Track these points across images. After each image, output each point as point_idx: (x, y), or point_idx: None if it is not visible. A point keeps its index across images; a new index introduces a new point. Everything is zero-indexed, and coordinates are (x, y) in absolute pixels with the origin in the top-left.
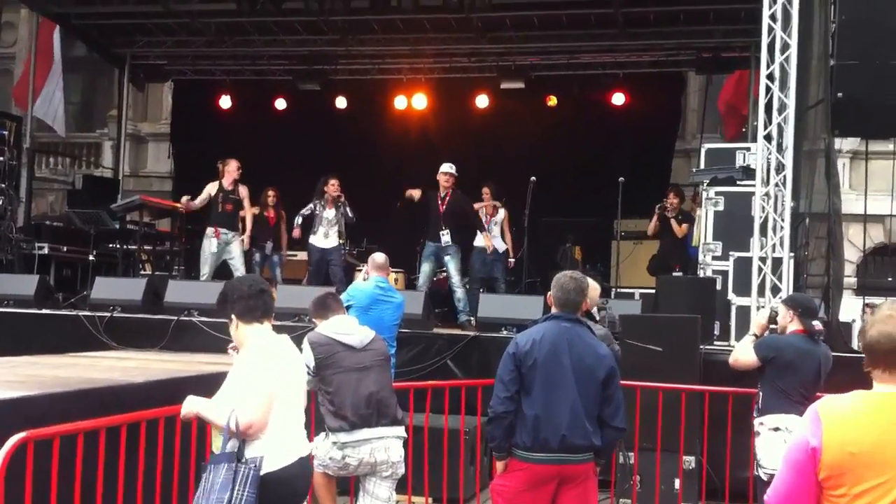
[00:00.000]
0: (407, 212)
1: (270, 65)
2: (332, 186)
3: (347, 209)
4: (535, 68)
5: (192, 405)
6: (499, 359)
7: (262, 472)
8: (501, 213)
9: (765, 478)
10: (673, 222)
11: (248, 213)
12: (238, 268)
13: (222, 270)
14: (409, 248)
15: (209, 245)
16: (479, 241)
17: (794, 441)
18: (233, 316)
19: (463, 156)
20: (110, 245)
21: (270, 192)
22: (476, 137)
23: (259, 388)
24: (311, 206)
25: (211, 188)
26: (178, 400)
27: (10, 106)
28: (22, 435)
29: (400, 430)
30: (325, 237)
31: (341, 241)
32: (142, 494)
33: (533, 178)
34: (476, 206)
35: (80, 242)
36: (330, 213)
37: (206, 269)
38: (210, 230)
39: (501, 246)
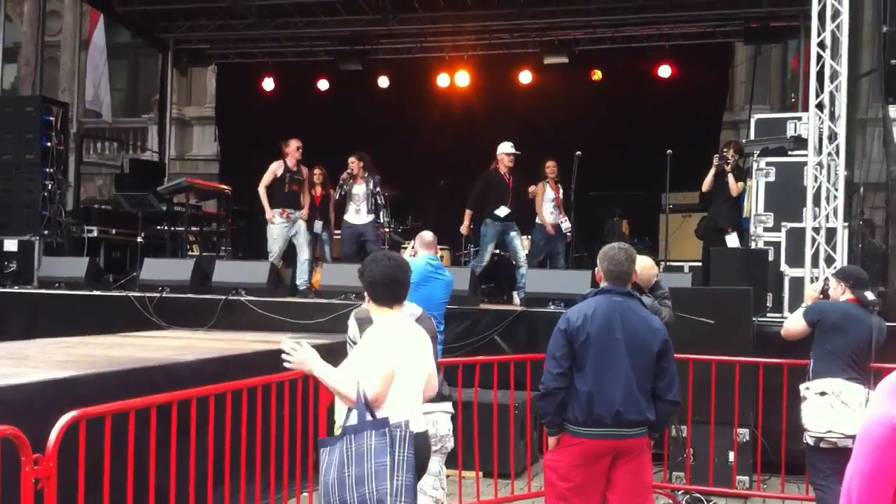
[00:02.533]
0: (452, 189)
1: (312, 46)
2: (351, 164)
3: (377, 186)
4: (579, 42)
5: (311, 362)
6: (546, 333)
7: None
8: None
9: (811, 442)
10: (730, 177)
11: (306, 193)
12: (302, 247)
13: (286, 250)
14: (452, 224)
15: (279, 227)
16: (551, 217)
17: (874, 417)
18: (366, 293)
19: (507, 132)
20: (158, 227)
21: (317, 171)
22: (520, 113)
23: (383, 365)
24: (337, 189)
25: (276, 168)
26: (228, 377)
27: (56, 92)
28: (74, 413)
29: (447, 406)
30: (357, 213)
31: (375, 217)
32: (194, 471)
33: (578, 152)
34: (531, 188)
35: (128, 225)
36: (359, 188)
37: (276, 249)
38: (277, 211)
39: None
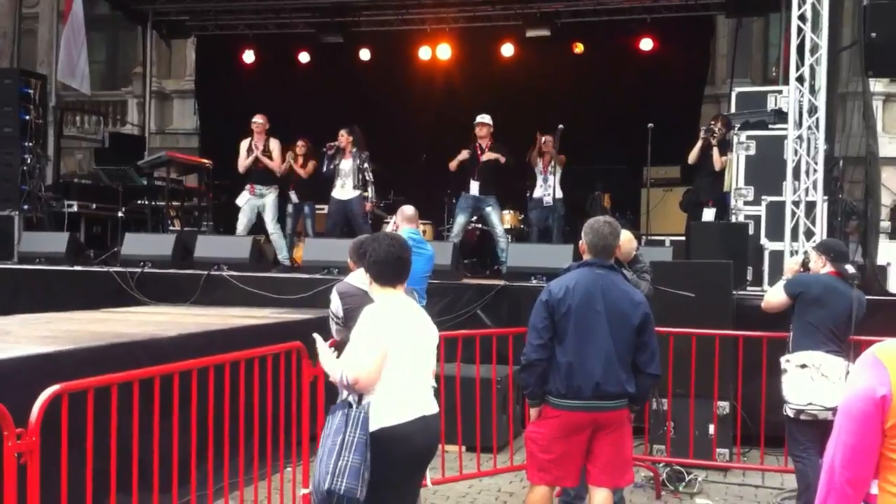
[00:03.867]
0: (434, 163)
1: (293, 18)
2: (340, 137)
3: (365, 163)
4: (561, 15)
5: (321, 356)
6: (528, 308)
7: (377, 427)
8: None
9: (791, 414)
10: (715, 150)
11: (275, 165)
12: (267, 220)
13: (261, 224)
14: (435, 199)
15: (243, 201)
16: (538, 192)
17: (856, 391)
18: (367, 273)
19: (489, 105)
20: (139, 202)
21: (300, 143)
22: (502, 87)
23: (369, 347)
24: (325, 162)
25: (244, 146)
26: (210, 352)
27: (34, 65)
28: (56, 388)
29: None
30: (342, 188)
31: (361, 193)
32: (177, 446)
33: (560, 125)
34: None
35: (108, 199)
36: (346, 163)
37: (239, 225)
38: (247, 187)
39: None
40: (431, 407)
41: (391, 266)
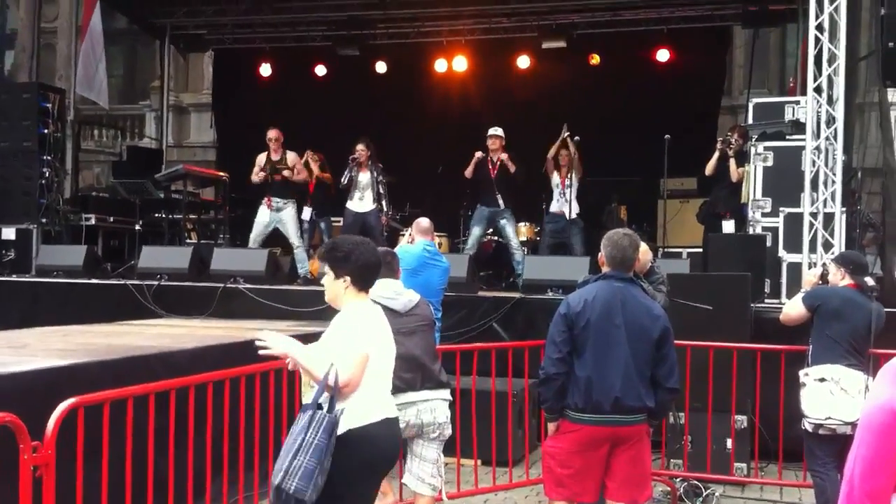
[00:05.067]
0: (450, 175)
1: (309, 31)
2: (358, 151)
3: (380, 175)
4: (577, 26)
5: (288, 346)
6: (544, 320)
7: (346, 429)
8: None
9: (810, 429)
10: (732, 162)
11: (300, 177)
12: (290, 235)
13: (276, 237)
14: (451, 211)
15: (260, 214)
16: (555, 205)
17: (875, 404)
18: (347, 277)
19: (505, 118)
20: (156, 215)
21: (310, 154)
22: (518, 98)
23: (359, 349)
24: (346, 172)
25: (260, 159)
26: (226, 365)
27: (53, 79)
28: (72, 401)
29: (445, 393)
30: (360, 200)
31: (378, 206)
32: (192, 459)
33: (577, 137)
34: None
35: (126, 213)
36: (364, 176)
37: (252, 237)
38: (264, 199)
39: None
40: (394, 410)
41: (374, 271)
